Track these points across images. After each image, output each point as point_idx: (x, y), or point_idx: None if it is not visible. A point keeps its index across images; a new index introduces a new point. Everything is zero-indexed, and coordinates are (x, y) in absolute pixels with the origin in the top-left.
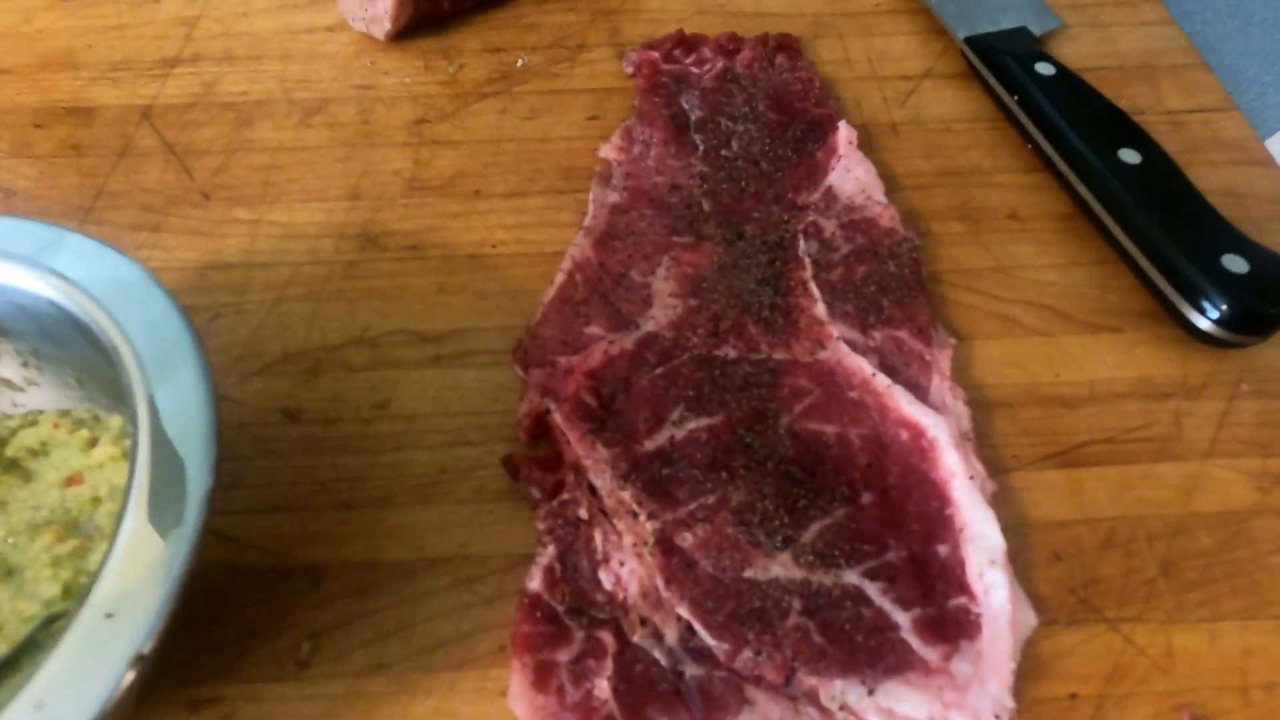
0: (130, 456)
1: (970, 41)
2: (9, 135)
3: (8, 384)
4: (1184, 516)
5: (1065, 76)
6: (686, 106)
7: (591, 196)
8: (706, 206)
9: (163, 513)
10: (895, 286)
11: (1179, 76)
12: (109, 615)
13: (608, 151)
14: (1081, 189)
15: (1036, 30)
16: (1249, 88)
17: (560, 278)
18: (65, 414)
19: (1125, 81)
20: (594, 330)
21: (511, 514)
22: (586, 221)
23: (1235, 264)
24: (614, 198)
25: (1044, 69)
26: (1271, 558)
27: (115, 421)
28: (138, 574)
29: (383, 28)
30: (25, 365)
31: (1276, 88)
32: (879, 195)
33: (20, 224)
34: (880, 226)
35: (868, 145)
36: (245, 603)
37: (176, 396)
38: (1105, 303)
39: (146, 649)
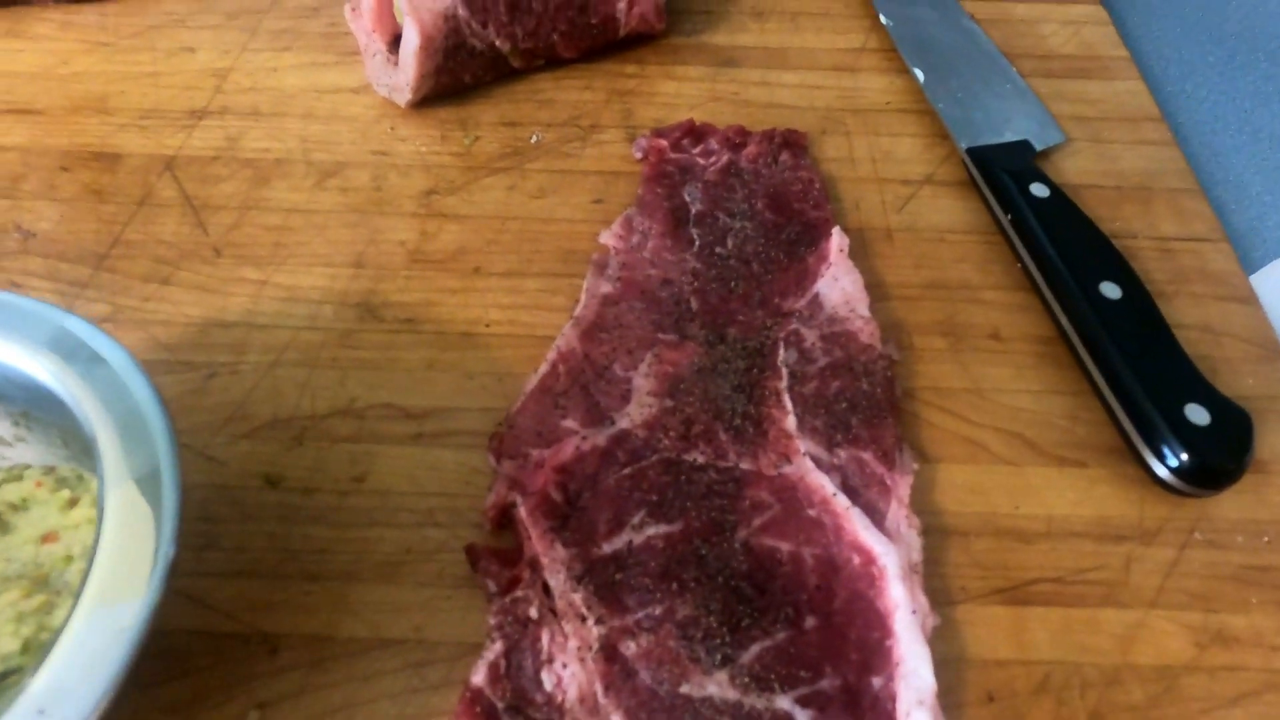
0: (92, 548)
1: (971, 152)
2: (36, 177)
3: None
4: (1120, 667)
5: (1059, 200)
6: (688, 199)
7: (585, 284)
8: (694, 304)
9: (116, 597)
10: (866, 406)
11: (1174, 201)
12: (40, 712)
13: (608, 238)
14: (1062, 316)
15: (1039, 144)
16: (1251, 205)
17: (544, 367)
18: (50, 471)
19: (1121, 202)
20: (570, 424)
21: (468, 602)
22: (577, 311)
23: (1197, 415)
24: (606, 288)
25: (1039, 190)
26: (1199, 718)
27: (96, 483)
28: (78, 669)
29: (404, 97)
30: (15, 424)
31: (1278, 208)
32: (862, 309)
33: (23, 302)
34: (859, 342)
35: (861, 251)
36: (202, 665)
37: (147, 481)
38: (1073, 435)
39: None
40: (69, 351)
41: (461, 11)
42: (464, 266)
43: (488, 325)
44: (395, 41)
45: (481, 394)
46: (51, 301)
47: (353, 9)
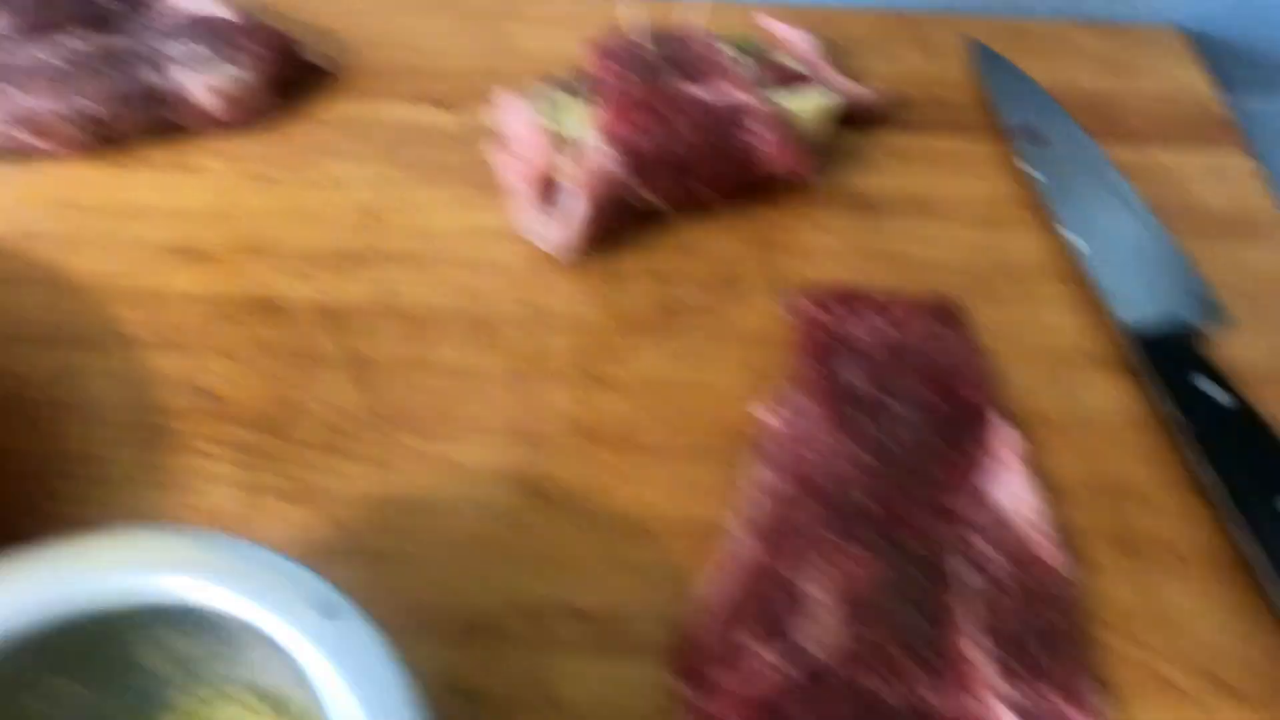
0: None
1: (1132, 335)
2: (209, 329)
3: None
4: None
5: (1227, 400)
6: (845, 375)
7: (752, 475)
8: (863, 502)
9: None
10: (1053, 638)
11: None
12: None
13: (765, 415)
14: (1237, 534)
15: (1199, 322)
16: None
17: (719, 576)
18: (254, 690)
19: None
20: (749, 641)
21: None
22: (746, 509)
23: None
24: (771, 478)
25: (1205, 385)
26: None
27: (298, 698)
28: None
29: (561, 253)
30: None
31: None
32: (1041, 521)
33: (260, 553)
34: (1041, 561)
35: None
36: None
37: None
38: (1269, 676)
39: None
40: (311, 611)
41: (627, 177)
42: (622, 440)
43: (652, 510)
44: (547, 188)
45: (655, 594)
46: (228, 472)
47: (504, 153)
